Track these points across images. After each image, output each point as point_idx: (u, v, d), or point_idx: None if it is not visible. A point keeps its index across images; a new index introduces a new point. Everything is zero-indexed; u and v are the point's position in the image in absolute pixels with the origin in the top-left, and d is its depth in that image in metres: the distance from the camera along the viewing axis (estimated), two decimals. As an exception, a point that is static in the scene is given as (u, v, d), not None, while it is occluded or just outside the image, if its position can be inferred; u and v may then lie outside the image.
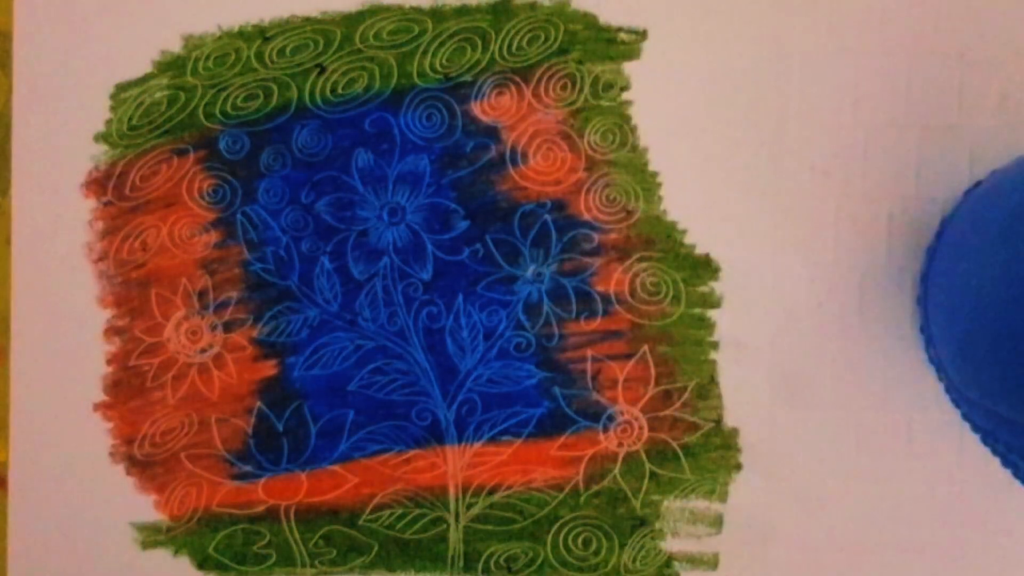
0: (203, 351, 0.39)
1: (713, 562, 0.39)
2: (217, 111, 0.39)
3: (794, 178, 0.38)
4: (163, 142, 0.39)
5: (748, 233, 0.38)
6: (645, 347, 0.38)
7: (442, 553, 0.39)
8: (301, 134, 0.39)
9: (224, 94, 0.39)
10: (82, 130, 0.39)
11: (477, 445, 0.39)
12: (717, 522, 0.39)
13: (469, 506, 0.39)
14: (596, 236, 0.38)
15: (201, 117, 0.39)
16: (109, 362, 0.39)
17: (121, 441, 0.39)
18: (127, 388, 0.39)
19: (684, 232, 0.38)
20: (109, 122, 0.39)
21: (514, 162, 0.38)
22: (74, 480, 0.39)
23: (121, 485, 0.39)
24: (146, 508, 0.39)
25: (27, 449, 0.40)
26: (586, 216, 0.38)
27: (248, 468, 0.39)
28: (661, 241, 0.38)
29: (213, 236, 0.39)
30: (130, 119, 0.39)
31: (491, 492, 0.39)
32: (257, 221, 0.39)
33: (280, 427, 0.39)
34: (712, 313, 0.38)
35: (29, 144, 0.39)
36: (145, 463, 0.39)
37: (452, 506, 0.39)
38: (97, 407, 0.39)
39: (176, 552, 0.40)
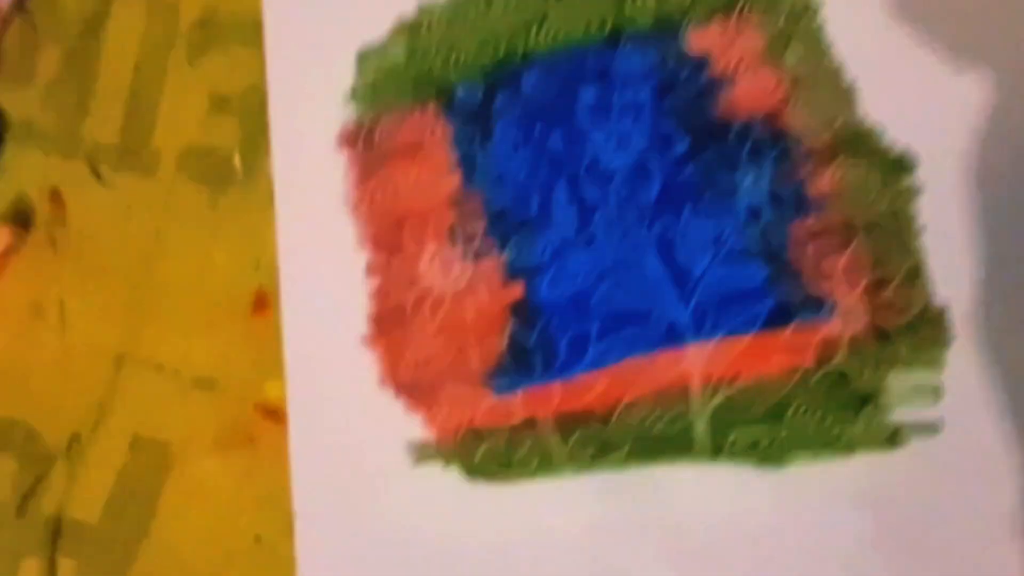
0: (456, 280, 0.43)
1: (935, 428, 0.42)
2: (451, 67, 0.45)
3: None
4: (405, 97, 0.45)
5: (943, 127, 0.43)
6: (858, 239, 0.41)
7: (689, 443, 0.43)
8: (529, 79, 0.45)
9: (456, 52, 0.45)
10: (333, 92, 0.46)
11: (713, 341, 0.42)
12: (937, 392, 0.42)
13: (711, 397, 0.43)
14: (804, 144, 0.43)
15: (437, 73, 0.45)
16: (372, 297, 0.44)
17: (388, 368, 0.44)
18: (390, 320, 0.44)
19: (882, 132, 0.43)
20: (356, 84, 0.45)
21: (724, 86, 0.44)
22: (349, 408, 0.44)
23: (391, 408, 0.43)
24: (416, 427, 0.43)
25: (303, 385, 0.44)
26: (794, 128, 0.43)
27: (506, 383, 0.43)
28: (863, 143, 0.43)
29: (457, 176, 0.45)
30: (374, 80, 0.45)
31: (731, 383, 0.42)
32: (496, 159, 0.45)
33: (531, 343, 0.43)
34: (916, 202, 0.42)
35: (285, 111, 0.46)
36: (412, 386, 0.43)
37: (696, 399, 0.43)
38: (365, 339, 0.45)
39: (446, 464, 0.43)
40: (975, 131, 0.43)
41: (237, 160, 0.46)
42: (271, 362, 0.43)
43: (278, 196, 0.45)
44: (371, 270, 0.45)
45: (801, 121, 0.43)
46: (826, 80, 0.44)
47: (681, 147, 0.44)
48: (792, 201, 0.43)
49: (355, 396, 0.44)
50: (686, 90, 0.44)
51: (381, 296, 0.45)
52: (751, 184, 0.43)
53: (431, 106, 0.45)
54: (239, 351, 0.44)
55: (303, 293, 0.45)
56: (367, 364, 0.44)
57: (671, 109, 0.44)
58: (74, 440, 0.45)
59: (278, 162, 0.45)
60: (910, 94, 0.43)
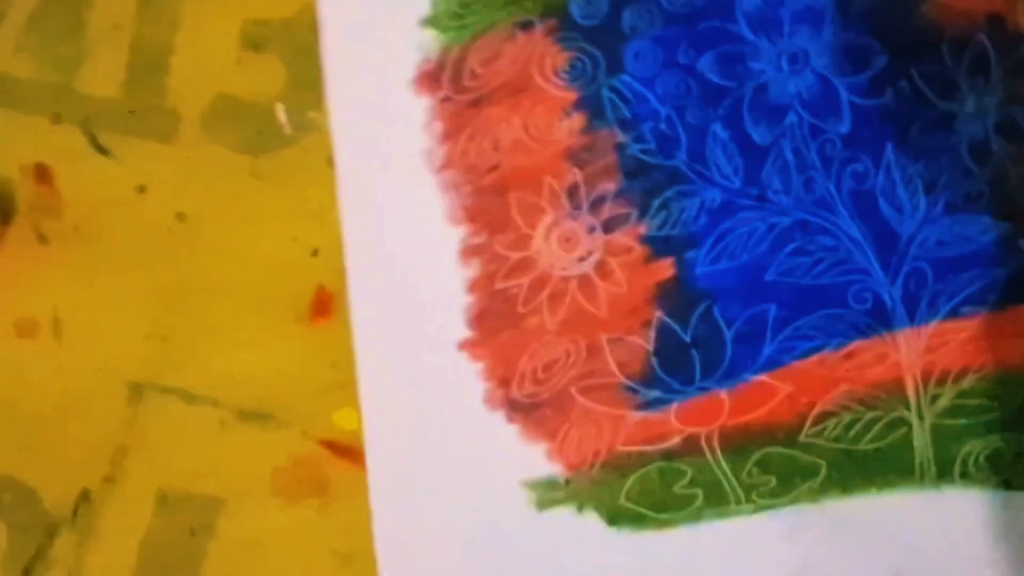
0: (582, 260, 0.45)
1: None
2: (562, -30, 0.47)
3: None
4: (502, 16, 0.46)
5: None
6: None
7: (908, 462, 0.45)
8: None
9: (569, -53, 0.47)
10: (404, 17, 0.47)
11: (934, 324, 0.44)
12: None
13: (934, 399, 0.44)
14: None
15: (543, -20, 0.47)
16: (471, 289, 0.46)
17: (496, 383, 0.45)
18: (496, 317, 0.46)
19: None
20: (435, 2, 0.47)
21: None
22: (445, 439, 0.45)
23: (503, 436, 0.45)
24: (537, 460, 0.45)
25: (383, 412, 0.46)
26: None
27: (655, 393, 0.45)
28: None
29: (577, 121, 0.46)
30: (460, -4, 0.47)
31: (958, 379, 0.44)
32: (629, 94, 0.46)
33: (688, 338, 0.45)
34: None
35: (343, 44, 0.47)
36: (529, 405, 0.45)
37: (913, 402, 0.45)
38: (463, 345, 0.46)
39: (580, 508, 0.45)
40: None
41: (282, 113, 0.47)
42: (340, 383, 0.45)
43: (338, 160, 0.47)
44: (468, 252, 0.46)
45: None
46: None
47: (878, 64, 0.45)
48: None
49: (452, 422, 0.45)
50: None
51: (483, 286, 0.46)
52: (973, 111, 0.44)
53: (538, 27, 0.46)
54: (297, 370, 0.46)
55: (377, 289, 0.46)
56: (468, 379, 0.46)
57: (862, 13, 0.45)
58: (82, 500, 0.46)
59: (336, 114, 0.47)
60: None
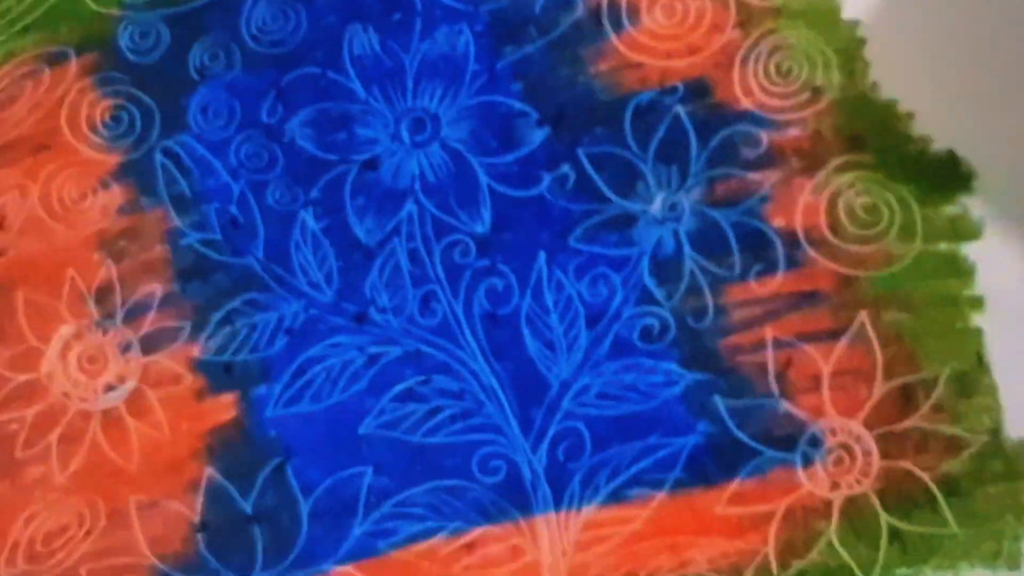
0: (110, 389, 0.38)
1: None
2: (115, -10, 0.41)
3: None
4: (23, 44, 0.39)
5: (1017, 111, 0.37)
6: (862, 316, 0.36)
7: None
8: (255, 10, 0.39)
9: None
10: None
11: (589, 509, 0.37)
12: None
13: None
14: (764, 135, 0.37)
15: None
16: None
17: None
18: None
19: (910, 117, 0.37)
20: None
21: (617, 24, 0.38)
22: None
23: None
24: None
25: None
26: (744, 103, 0.37)
27: None
28: (873, 135, 0.37)
29: (118, 195, 0.39)
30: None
31: None
32: (190, 162, 0.38)
33: (249, 508, 0.37)
34: (970, 249, 0.37)
35: None
36: None
37: None
38: None
39: None
40: None
41: None
42: None
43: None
44: (-49, 369, 0.40)
45: (759, 91, 0.38)
46: (808, 15, 0.38)
47: (533, 140, 0.38)
48: (738, 243, 0.37)
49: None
50: (543, 32, 0.38)
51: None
52: (662, 210, 0.37)
53: (74, 62, 0.39)
54: None
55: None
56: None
57: (515, 68, 0.38)
58: None
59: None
60: (962, 48, 0.38)
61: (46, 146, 0.38)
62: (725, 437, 0.37)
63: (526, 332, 0.37)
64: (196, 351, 0.38)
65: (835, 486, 0.36)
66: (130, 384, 0.38)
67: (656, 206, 0.37)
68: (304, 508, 0.38)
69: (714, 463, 0.37)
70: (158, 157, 0.38)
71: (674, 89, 0.37)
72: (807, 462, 0.37)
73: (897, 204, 0.37)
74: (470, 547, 0.37)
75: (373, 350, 0.37)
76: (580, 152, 0.37)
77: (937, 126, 0.37)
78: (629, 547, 0.37)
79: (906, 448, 0.37)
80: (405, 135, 0.37)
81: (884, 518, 0.36)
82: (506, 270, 0.37)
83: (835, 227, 0.37)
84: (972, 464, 0.36)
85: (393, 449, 0.38)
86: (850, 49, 0.37)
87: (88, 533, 0.38)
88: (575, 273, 0.37)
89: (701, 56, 0.37)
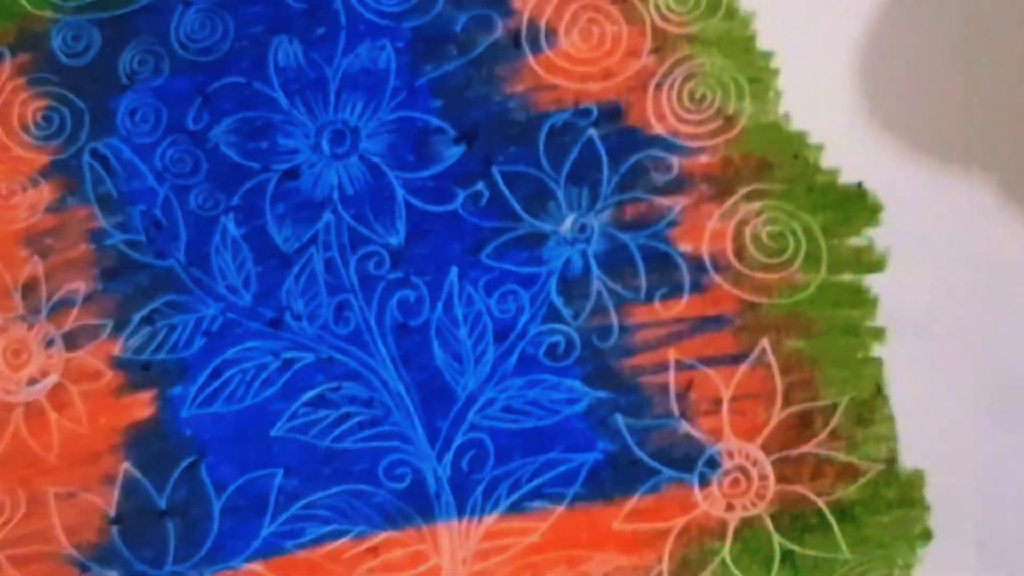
0: (33, 382, 0.38)
1: None
2: (47, -12, 0.40)
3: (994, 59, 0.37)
4: None
5: (926, 147, 0.37)
6: (764, 342, 0.37)
7: None
8: (184, 17, 0.39)
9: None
10: None
11: (490, 519, 0.37)
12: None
13: None
14: (676, 160, 0.37)
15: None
16: None
17: None
18: None
19: (820, 148, 0.37)
20: None
21: (535, 45, 0.38)
22: None
23: None
24: None
25: None
26: (657, 128, 0.38)
27: (111, 573, 0.38)
28: (783, 164, 0.37)
29: (46, 193, 0.39)
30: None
31: None
32: (117, 165, 0.39)
33: (163, 503, 0.38)
34: (872, 280, 0.37)
35: None
36: None
37: None
38: None
39: None
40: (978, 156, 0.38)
41: None
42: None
43: None
44: None
45: (672, 116, 0.38)
46: (721, 43, 0.38)
47: (449, 157, 0.38)
48: (646, 266, 0.38)
49: None
50: (463, 51, 0.38)
51: None
52: (572, 231, 0.38)
53: (7, 61, 0.39)
54: None
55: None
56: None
57: (435, 85, 0.38)
58: None
59: None
60: (872, 81, 0.38)
61: (-21, 136, 0.39)
62: (625, 455, 0.37)
63: (436, 344, 0.37)
64: (117, 349, 0.38)
65: (731, 507, 0.37)
66: (52, 378, 0.38)
67: (566, 226, 0.37)
68: (216, 506, 0.38)
69: (613, 480, 0.37)
70: (86, 158, 0.38)
71: (588, 112, 0.37)
72: (704, 483, 0.37)
73: (803, 233, 0.37)
74: (374, 551, 0.38)
75: (287, 355, 0.38)
76: (495, 170, 0.37)
77: (847, 158, 0.37)
78: (527, 558, 0.37)
79: (802, 473, 0.37)
80: (325, 146, 0.37)
81: (777, 540, 0.36)
82: (419, 282, 0.37)
83: (741, 253, 0.37)
84: (866, 491, 0.37)
85: (303, 452, 0.38)
86: (763, 78, 0.37)
87: (7, 521, 0.38)
88: (485, 288, 0.37)
89: (616, 80, 0.37)
